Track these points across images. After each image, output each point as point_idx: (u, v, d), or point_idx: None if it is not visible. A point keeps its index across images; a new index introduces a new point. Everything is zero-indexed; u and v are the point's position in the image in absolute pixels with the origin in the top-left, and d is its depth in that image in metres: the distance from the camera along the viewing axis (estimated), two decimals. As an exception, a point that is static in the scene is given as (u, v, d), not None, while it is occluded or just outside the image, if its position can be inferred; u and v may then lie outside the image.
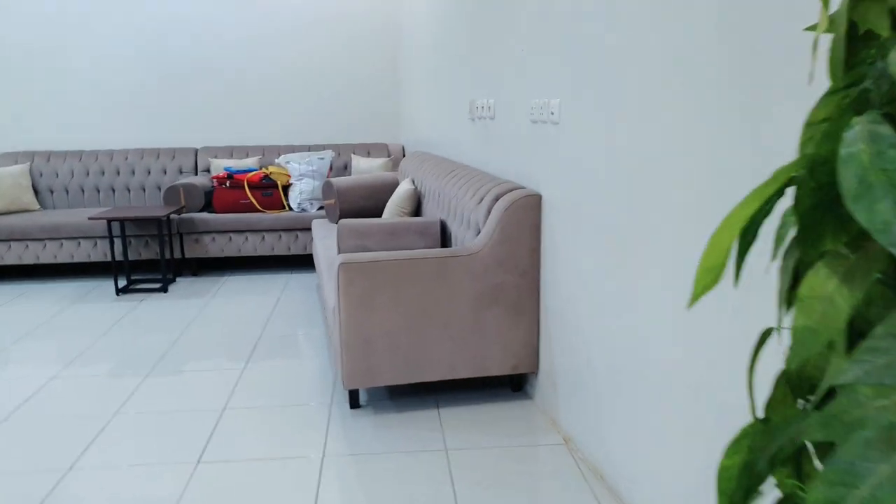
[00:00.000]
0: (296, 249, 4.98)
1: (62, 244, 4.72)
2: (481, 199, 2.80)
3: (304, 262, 5.36)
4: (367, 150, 5.56)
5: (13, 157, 5.18)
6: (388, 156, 5.54)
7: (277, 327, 3.81)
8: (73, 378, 3.14)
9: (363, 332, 2.60)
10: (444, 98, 4.16)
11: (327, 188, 4.49)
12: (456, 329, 2.67)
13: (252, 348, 3.48)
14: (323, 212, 5.02)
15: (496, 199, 2.70)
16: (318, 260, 3.80)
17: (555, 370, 2.59)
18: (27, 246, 4.69)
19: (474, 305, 2.67)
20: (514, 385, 2.90)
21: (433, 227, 3.13)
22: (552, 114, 2.45)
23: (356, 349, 2.60)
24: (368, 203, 4.47)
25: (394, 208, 3.87)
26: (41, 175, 5.19)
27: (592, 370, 2.25)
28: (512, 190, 2.70)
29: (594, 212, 2.17)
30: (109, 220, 4.38)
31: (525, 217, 2.63)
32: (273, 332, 3.72)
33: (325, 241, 3.92)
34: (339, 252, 3.04)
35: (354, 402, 2.78)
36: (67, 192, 5.22)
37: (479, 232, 2.75)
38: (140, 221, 4.70)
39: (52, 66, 5.26)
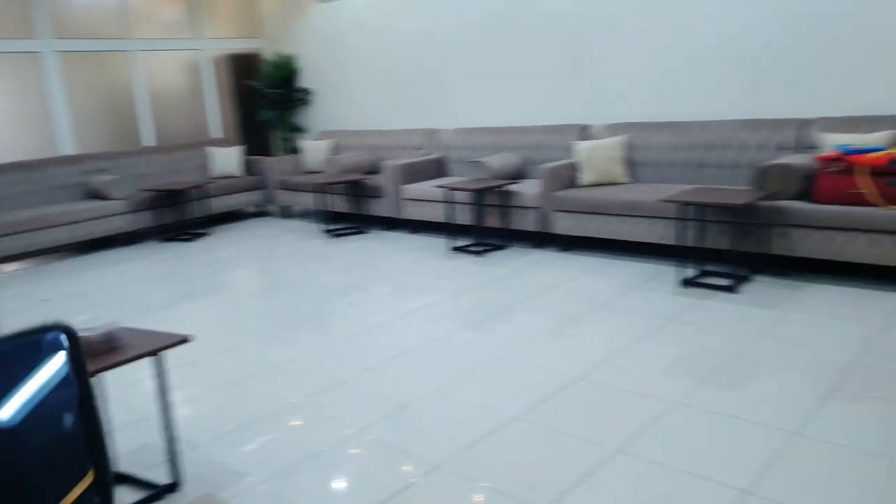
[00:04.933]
0: (925, 264, 3.54)
1: (637, 222, 4.54)
2: None
3: (937, 282, 3.80)
4: None
5: (612, 130, 5.26)
6: None
7: (866, 375, 2.69)
8: (625, 362, 2.88)
9: None
10: None
11: None
12: None
13: (821, 396, 2.52)
14: (982, 215, 3.37)
15: None
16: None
17: None
18: (606, 220, 4.70)
19: None
20: None
21: None
22: None
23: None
24: None
25: None
26: (634, 148, 5.12)
27: None
28: None
29: None
30: (683, 204, 3.93)
31: None
32: (856, 381, 2.63)
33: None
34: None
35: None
36: (658, 166, 5.02)
37: None
38: (718, 206, 4.09)
39: (651, 36, 5.05)
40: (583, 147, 5.08)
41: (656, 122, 5.13)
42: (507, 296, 4.14)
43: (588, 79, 5.53)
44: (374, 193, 6.36)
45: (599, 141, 5.10)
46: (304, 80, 8.13)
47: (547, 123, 5.87)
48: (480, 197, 5.33)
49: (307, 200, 7.03)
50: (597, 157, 5.03)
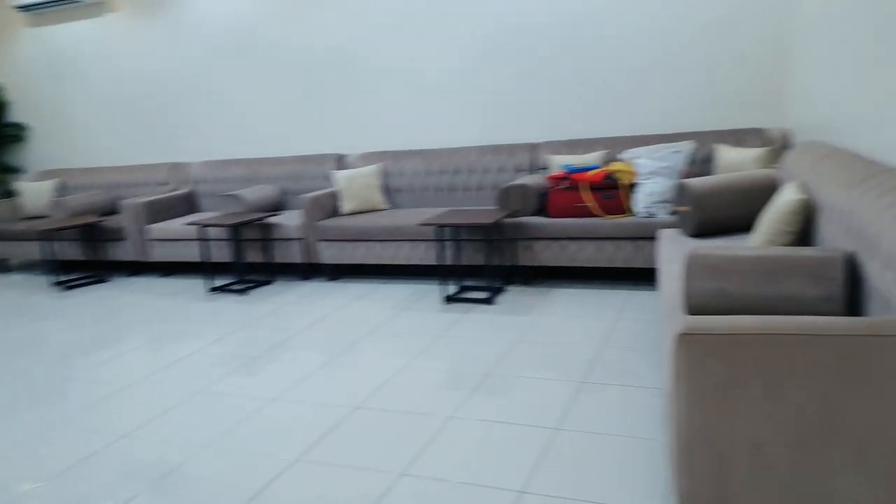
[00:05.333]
0: (639, 262, 4.14)
1: (400, 246, 4.68)
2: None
3: (648, 277, 4.48)
4: (737, 137, 4.38)
5: (368, 158, 5.38)
6: (765, 145, 4.28)
7: (606, 365, 3.05)
8: (400, 385, 2.88)
9: (715, 441, 1.69)
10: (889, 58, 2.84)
11: (680, 191, 3.53)
12: (881, 458, 1.57)
13: (574, 390, 2.80)
14: (675, 218, 4.06)
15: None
16: (662, 285, 2.92)
17: None
18: (371, 246, 4.77)
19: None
20: None
21: (833, 266, 2.00)
22: None
23: (701, 465, 1.71)
24: (735, 212, 3.40)
25: (772, 226, 2.76)
26: (390, 175, 5.29)
27: None
28: None
29: None
30: (439, 226, 4.13)
31: None
32: (599, 372, 2.97)
33: (672, 264, 3.01)
34: (686, 295, 2.14)
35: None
36: (413, 191, 5.23)
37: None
38: (469, 226, 4.39)
39: (396, 69, 5.30)
40: (341, 176, 5.11)
41: (408, 150, 5.36)
42: (276, 333, 3.98)
43: (340, 109, 5.60)
44: (114, 236, 5.72)
45: (357, 169, 5.17)
46: (16, 114, 7.07)
47: (302, 153, 5.81)
48: (238, 232, 5.08)
49: (30, 251, 6.10)
50: (356, 186, 5.10)
